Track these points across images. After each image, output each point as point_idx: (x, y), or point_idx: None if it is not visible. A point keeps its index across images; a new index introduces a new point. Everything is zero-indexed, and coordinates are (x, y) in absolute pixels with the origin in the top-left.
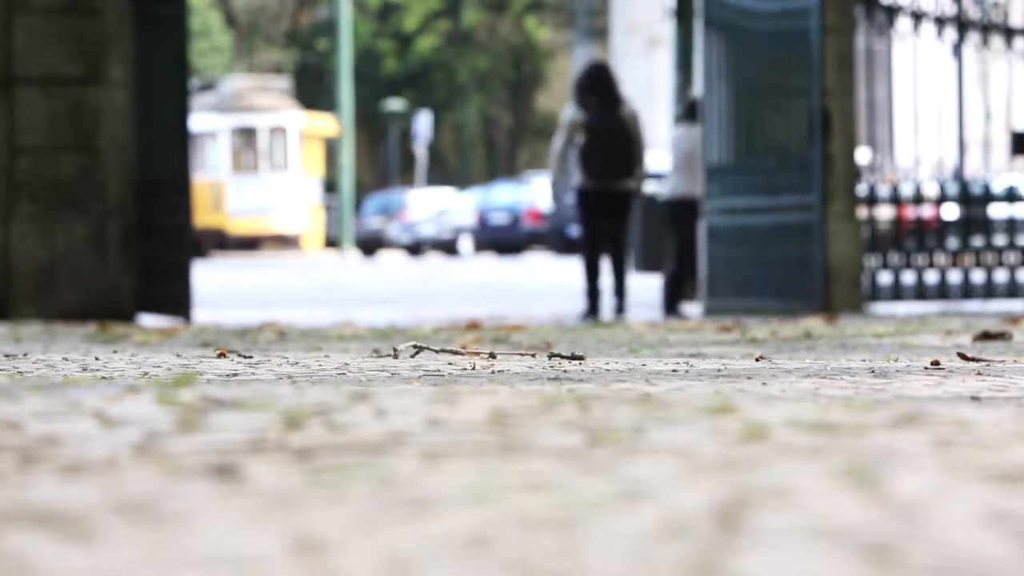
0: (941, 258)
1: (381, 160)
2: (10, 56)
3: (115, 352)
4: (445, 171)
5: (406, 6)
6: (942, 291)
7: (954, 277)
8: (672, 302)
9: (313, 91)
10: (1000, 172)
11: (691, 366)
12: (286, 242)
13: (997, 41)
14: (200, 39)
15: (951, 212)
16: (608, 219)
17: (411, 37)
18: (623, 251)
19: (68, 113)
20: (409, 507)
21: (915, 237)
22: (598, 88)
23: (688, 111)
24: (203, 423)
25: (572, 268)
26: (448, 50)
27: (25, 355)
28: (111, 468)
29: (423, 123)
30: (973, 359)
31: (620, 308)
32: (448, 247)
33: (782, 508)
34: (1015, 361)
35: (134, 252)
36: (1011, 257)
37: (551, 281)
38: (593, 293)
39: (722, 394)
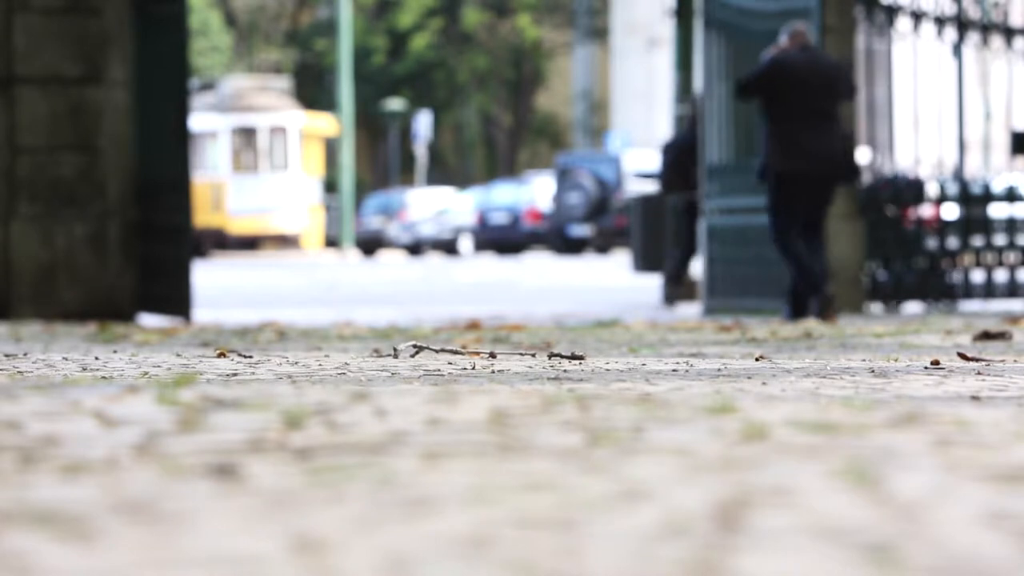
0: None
1: (381, 160)
2: (10, 56)
3: (115, 352)
4: (445, 171)
5: (402, 3)
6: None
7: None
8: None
9: (313, 91)
10: (1000, 172)
11: (691, 366)
12: (286, 242)
13: (997, 41)
14: (200, 39)
15: (951, 212)
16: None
17: (406, 35)
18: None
19: (68, 113)
20: (409, 507)
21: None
22: None
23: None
24: (203, 423)
25: (572, 268)
26: (448, 50)
27: (25, 355)
28: (111, 468)
29: (423, 123)
30: (973, 359)
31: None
32: (448, 247)
33: (782, 508)
34: (1015, 361)
35: (134, 252)
36: (1011, 257)
37: (551, 281)
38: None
39: (722, 394)
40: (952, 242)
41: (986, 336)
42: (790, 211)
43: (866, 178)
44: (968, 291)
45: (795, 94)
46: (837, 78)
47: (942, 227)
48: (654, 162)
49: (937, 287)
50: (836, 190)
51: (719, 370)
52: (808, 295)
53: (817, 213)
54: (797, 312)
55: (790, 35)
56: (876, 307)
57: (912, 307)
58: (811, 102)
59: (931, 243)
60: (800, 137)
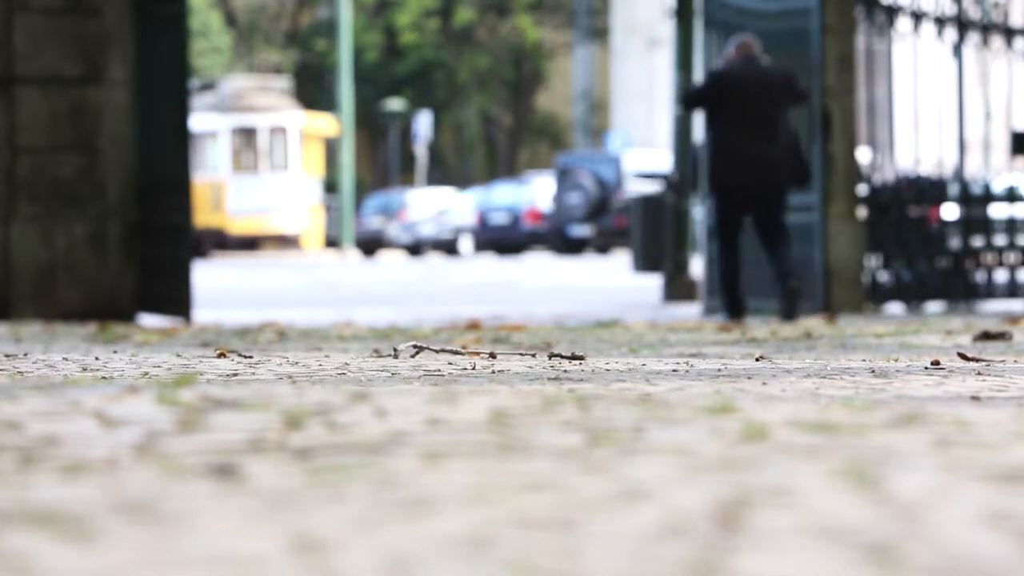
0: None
1: (381, 160)
2: (10, 56)
3: (115, 352)
4: (445, 171)
5: (400, 3)
6: (944, 291)
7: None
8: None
9: (313, 91)
10: (1000, 172)
11: (691, 366)
12: (286, 242)
13: (997, 41)
14: (200, 39)
15: (951, 212)
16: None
17: (403, 34)
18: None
19: (68, 113)
20: (409, 507)
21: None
22: None
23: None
24: (203, 423)
25: (572, 268)
26: (448, 50)
27: (25, 355)
28: (111, 468)
29: (423, 123)
30: (973, 359)
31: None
32: (448, 247)
33: (782, 508)
34: (1015, 361)
35: (134, 252)
36: (1011, 257)
37: (551, 281)
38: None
39: (722, 394)
40: (967, 241)
41: (986, 336)
42: (732, 220)
43: (880, 178)
44: (974, 291)
45: (737, 105)
46: (779, 87)
47: (941, 227)
48: (654, 162)
49: (959, 287)
50: (784, 196)
51: (719, 370)
52: (725, 298)
53: (769, 218)
54: (733, 311)
55: (736, 47)
56: (896, 307)
57: (933, 307)
58: (752, 112)
59: (953, 243)
60: (742, 148)
